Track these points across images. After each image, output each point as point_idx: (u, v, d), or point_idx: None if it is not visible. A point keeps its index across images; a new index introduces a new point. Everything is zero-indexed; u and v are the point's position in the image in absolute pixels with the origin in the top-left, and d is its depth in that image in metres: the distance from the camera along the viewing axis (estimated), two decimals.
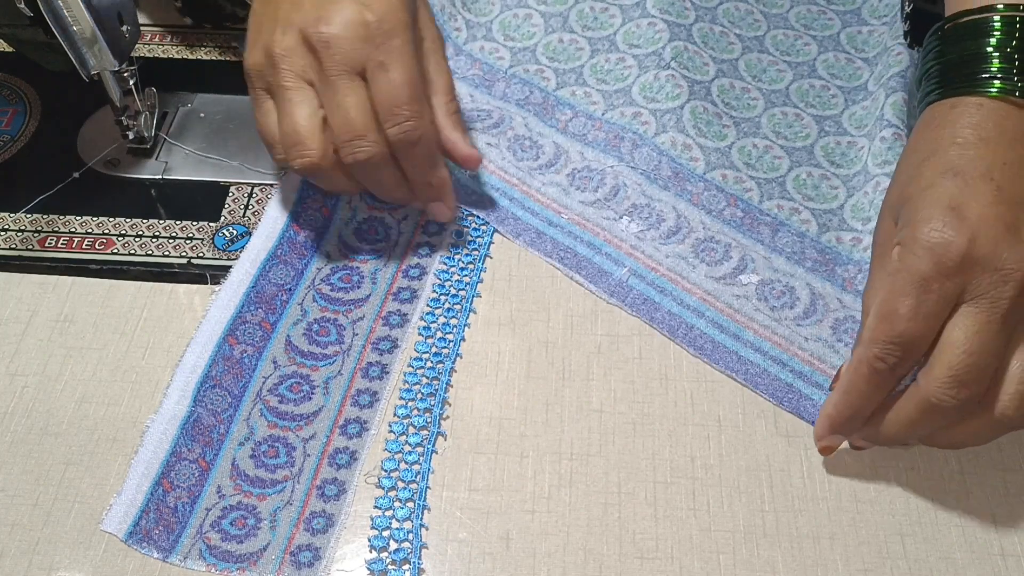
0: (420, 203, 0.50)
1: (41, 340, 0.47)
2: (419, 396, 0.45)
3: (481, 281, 0.49)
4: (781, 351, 0.46)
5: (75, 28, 0.44)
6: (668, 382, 0.46)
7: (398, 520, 0.41)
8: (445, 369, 0.46)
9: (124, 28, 0.47)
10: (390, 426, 0.44)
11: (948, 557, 0.41)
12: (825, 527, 0.42)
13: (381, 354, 0.47)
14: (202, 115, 0.55)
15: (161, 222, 0.51)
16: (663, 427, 0.44)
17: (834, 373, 0.44)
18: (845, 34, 0.60)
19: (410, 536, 0.41)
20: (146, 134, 0.53)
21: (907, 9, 0.49)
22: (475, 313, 0.48)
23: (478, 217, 0.52)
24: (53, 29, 0.44)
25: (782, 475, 0.43)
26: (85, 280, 0.49)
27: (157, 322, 0.47)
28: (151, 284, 0.49)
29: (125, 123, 0.52)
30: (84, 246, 0.50)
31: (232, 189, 0.52)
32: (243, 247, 0.49)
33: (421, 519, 0.41)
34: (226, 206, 0.52)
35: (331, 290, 0.48)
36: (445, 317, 0.48)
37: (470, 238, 0.51)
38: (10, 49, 0.57)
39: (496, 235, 0.51)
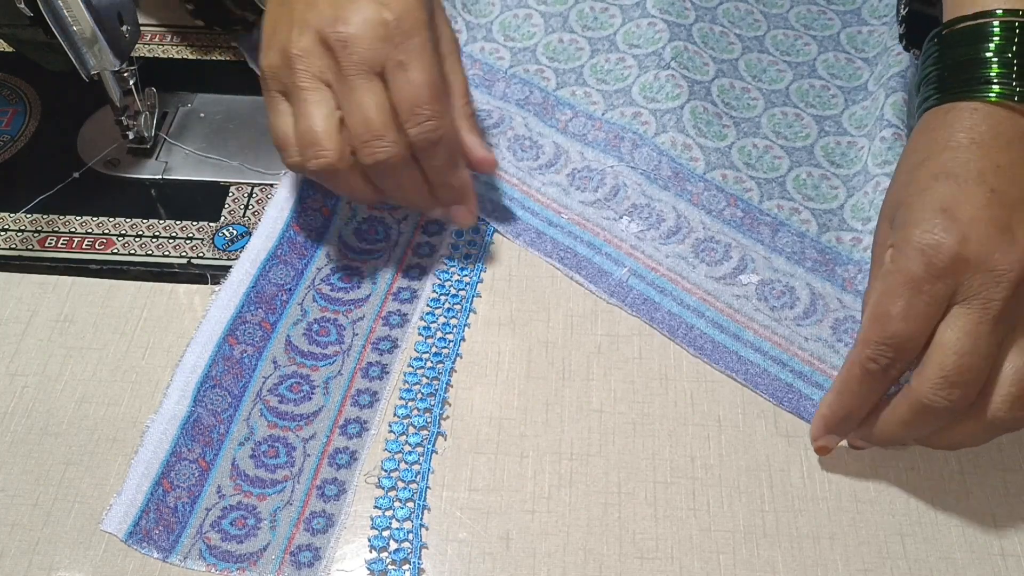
0: (439, 211, 0.48)
1: (41, 340, 0.47)
2: (419, 396, 0.45)
3: (481, 281, 0.49)
4: (781, 351, 0.46)
5: (75, 28, 0.44)
6: (668, 382, 0.46)
7: (398, 520, 0.41)
8: (445, 369, 0.46)
9: (124, 28, 0.47)
10: (390, 426, 0.44)
11: (948, 557, 0.41)
12: (825, 527, 0.42)
13: (381, 354, 0.47)
14: (202, 115, 0.55)
15: (161, 222, 0.51)
16: (663, 427, 0.44)
17: (834, 373, 0.44)
18: (845, 34, 0.60)
19: (410, 536, 0.41)
20: (146, 134, 0.53)
21: (903, 12, 0.49)
22: (475, 313, 0.48)
23: (478, 217, 0.52)
24: (53, 29, 0.44)
25: (782, 475, 0.43)
26: (85, 280, 0.49)
27: (157, 322, 0.47)
28: (151, 284, 0.49)
29: (125, 123, 0.52)
30: (84, 246, 0.50)
31: (232, 189, 0.52)
32: (243, 247, 0.49)
33: (421, 519, 0.41)
34: (226, 206, 0.52)
35: (331, 290, 0.48)
36: (445, 317, 0.48)
37: (470, 238, 0.51)
38: (10, 49, 0.57)
39: (496, 235, 0.51)
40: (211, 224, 0.51)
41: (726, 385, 0.46)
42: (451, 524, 0.42)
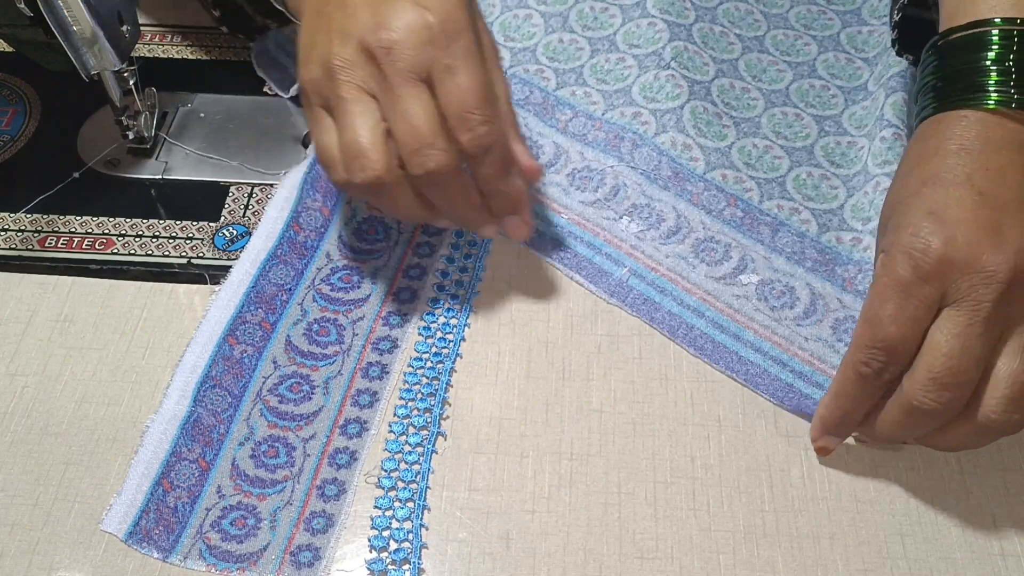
0: (491, 228, 0.46)
1: (41, 340, 0.47)
2: (419, 396, 0.45)
3: (481, 281, 0.49)
4: (781, 351, 0.46)
5: (75, 28, 0.44)
6: (668, 382, 0.46)
7: (398, 520, 0.41)
8: (445, 369, 0.46)
9: (124, 28, 0.47)
10: (390, 426, 0.44)
11: (948, 557, 0.41)
12: (825, 527, 0.42)
13: (381, 354, 0.47)
14: (202, 115, 0.55)
15: (161, 222, 0.51)
16: (663, 427, 0.44)
17: (834, 373, 0.44)
18: (845, 34, 0.60)
19: (410, 536, 0.41)
20: (146, 134, 0.53)
21: (895, 18, 0.49)
22: (475, 313, 0.48)
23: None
24: (53, 29, 0.44)
25: (782, 475, 0.43)
26: (85, 280, 0.49)
27: (157, 322, 0.47)
28: (151, 284, 0.49)
29: (125, 123, 0.52)
30: (84, 246, 0.50)
31: (232, 189, 0.52)
32: (243, 247, 0.49)
33: (421, 519, 0.41)
34: (226, 206, 0.52)
35: (331, 290, 0.48)
36: (445, 317, 0.48)
37: (470, 238, 0.51)
38: (10, 49, 0.57)
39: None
40: (211, 224, 0.51)
41: (726, 385, 0.46)
42: (451, 524, 0.42)
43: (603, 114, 0.55)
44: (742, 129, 0.54)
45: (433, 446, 0.44)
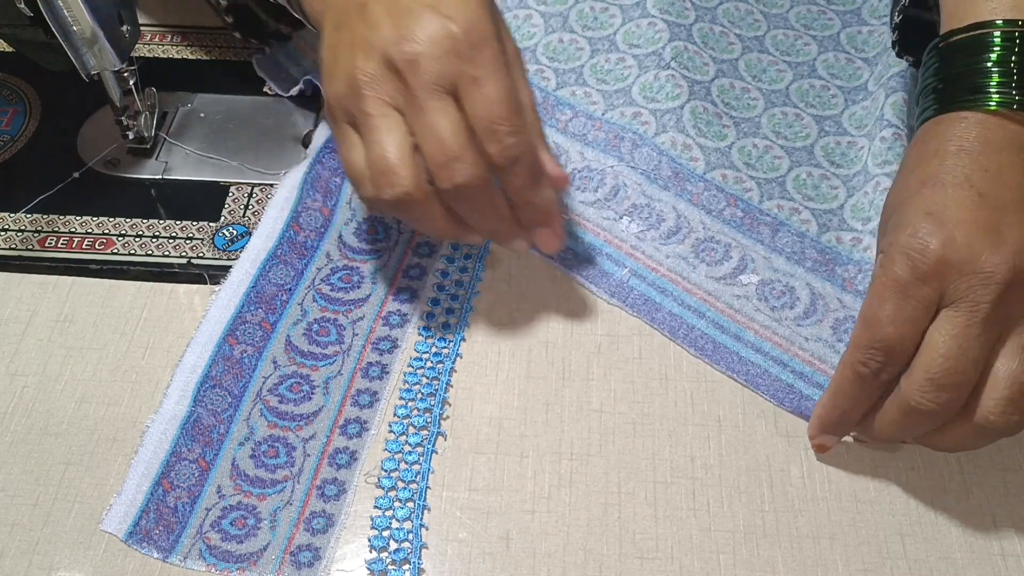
0: (523, 243, 0.45)
1: (41, 340, 0.47)
2: (419, 396, 0.45)
3: (481, 281, 0.49)
4: (782, 351, 0.46)
5: (75, 28, 0.44)
6: (668, 382, 0.46)
7: (398, 520, 0.41)
8: (445, 369, 0.46)
9: (124, 28, 0.47)
10: (390, 426, 0.44)
11: (948, 557, 0.41)
12: (825, 527, 0.42)
13: (381, 354, 0.47)
14: (202, 115, 0.55)
15: (161, 222, 0.51)
16: (663, 427, 0.44)
17: (834, 373, 0.44)
18: (845, 34, 0.60)
19: (410, 536, 0.41)
20: (146, 134, 0.53)
21: (896, 20, 0.49)
22: (475, 313, 0.48)
23: None
24: (53, 29, 0.44)
25: (782, 475, 0.43)
26: (85, 280, 0.49)
27: (157, 322, 0.47)
28: (151, 284, 0.49)
29: (125, 123, 0.52)
30: (84, 246, 0.50)
31: (232, 189, 0.52)
32: (243, 247, 0.49)
33: (421, 519, 0.41)
34: (226, 206, 0.52)
35: (331, 290, 0.48)
36: (445, 317, 0.48)
37: None
38: (10, 49, 0.57)
39: None
40: (211, 224, 0.51)
41: (726, 385, 0.46)
42: (451, 524, 0.42)
43: (603, 114, 0.55)
44: (742, 129, 0.54)
45: (433, 446, 0.44)
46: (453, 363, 0.46)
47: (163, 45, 0.60)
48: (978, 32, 0.41)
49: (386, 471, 0.43)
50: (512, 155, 0.41)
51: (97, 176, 0.53)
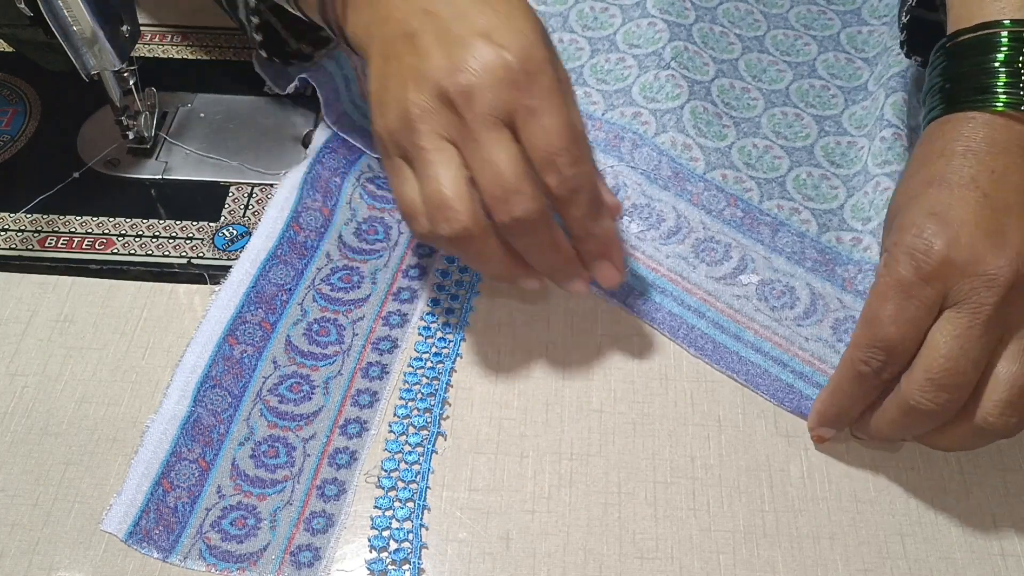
0: (581, 283, 0.43)
1: (41, 340, 0.47)
2: (419, 396, 0.45)
3: (481, 281, 0.49)
4: (782, 351, 0.46)
5: (75, 28, 0.44)
6: (668, 382, 0.46)
7: (398, 520, 0.41)
8: (445, 369, 0.46)
9: (124, 28, 0.47)
10: (390, 426, 0.44)
11: (948, 557, 0.41)
12: (825, 527, 0.42)
13: (381, 354, 0.47)
14: (202, 115, 0.55)
15: (161, 222, 0.51)
16: (663, 427, 0.44)
17: (835, 370, 0.44)
18: (845, 34, 0.60)
19: (410, 536, 0.41)
20: (146, 134, 0.53)
21: (904, 20, 0.49)
22: (475, 313, 0.48)
23: None
24: (53, 29, 0.44)
25: (782, 475, 0.43)
26: (85, 280, 0.49)
27: (157, 322, 0.47)
28: (151, 284, 0.49)
29: (125, 123, 0.52)
30: (84, 246, 0.50)
31: (232, 189, 0.52)
32: (243, 247, 0.49)
33: (421, 519, 0.41)
34: (226, 206, 0.52)
35: (331, 290, 0.48)
36: (445, 317, 0.48)
37: None
38: (10, 49, 0.57)
39: None
40: (211, 224, 0.51)
41: (726, 385, 0.46)
42: (451, 524, 0.42)
43: (603, 114, 0.55)
44: (742, 129, 0.54)
45: (433, 446, 0.44)
46: (453, 363, 0.46)
47: (163, 45, 0.60)
48: (986, 32, 0.41)
49: (386, 471, 0.43)
50: (573, 186, 0.40)
51: (97, 176, 0.53)
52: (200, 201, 0.52)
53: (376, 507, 0.42)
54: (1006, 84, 0.40)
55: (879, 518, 0.42)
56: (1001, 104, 0.40)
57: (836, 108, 0.56)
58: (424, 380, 0.46)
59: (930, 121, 0.43)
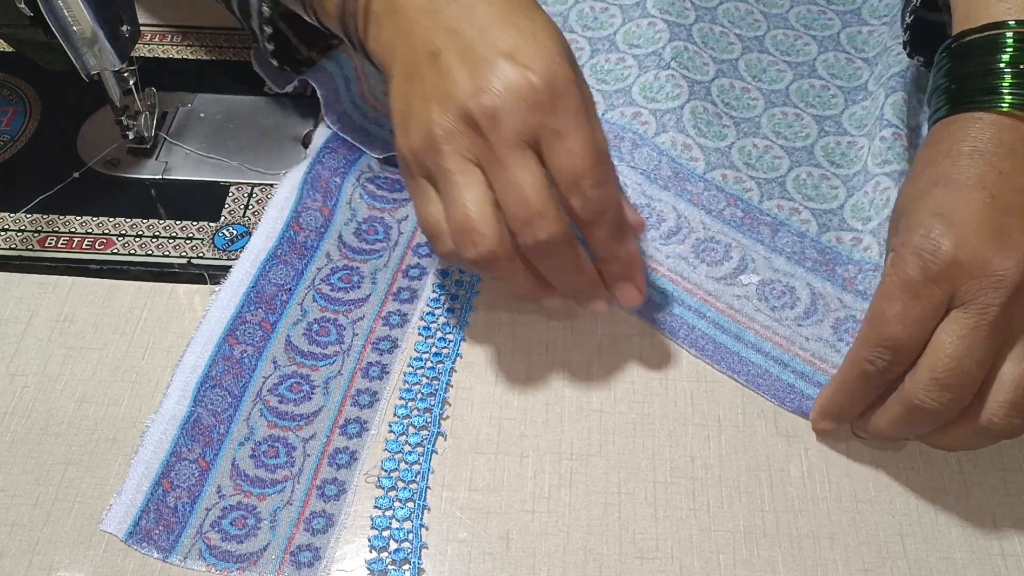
0: (603, 304, 0.43)
1: (41, 340, 0.47)
2: (419, 396, 0.45)
3: (481, 280, 0.49)
4: (782, 351, 0.46)
5: (75, 28, 0.44)
6: (668, 382, 0.46)
7: (398, 520, 0.41)
8: (445, 369, 0.46)
9: (124, 28, 0.47)
10: (390, 426, 0.44)
11: (948, 557, 0.41)
12: (825, 527, 0.42)
13: (381, 354, 0.47)
14: (202, 115, 0.55)
15: (161, 222, 0.51)
16: (663, 427, 0.44)
17: (835, 373, 0.44)
18: (845, 34, 0.60)
19: (410, 536, 0.41)
20: (146, 134, 0.53)
21: (908, 20, 0.49)
22: (475, 313, 0.48)
23: None
24: (53, 29, 0.44)
25: (782, 475, 0.43)
26: (85, 280, 0.49)
27: (157, 322, 0.47)
28: (151, 284, 0.49)
29: (125, 123, 0.52)
30: (84, 246, 0.50)
31: (232, 189, 0.52)
32: (243, 247, 0.49)
33: (421, 519, 0.41)
34: (226, 206, 0.52)
35: (331, 290, 0.48)
36: (445, 317, 0.48)
37: None
38: (10, 49, 0.57)
39: None
40: (211, 224, 0.51)
41: (726, 385, 0.46)
42: (451, 524, 0.42)
43: (603, 114, 0.55)
44: (742, 129, 0.54)
45: (433, 446, 0.44)
46: (453, 363, 0.46)
47: (163, 45, 0.60)
48: (992, 33, 0.41)
49: (386, 471, 0.43)
50: (597, 208, 0.40)
51: (97, 176, 0.53)
52: (200, 201, 0.52)
53: (376, 507, 0.42)
54: (1012, 85, 0.40)
55: (879, 518, 0.42)
56: (1007, 105, 0.40)
57: (836, 108, 0.56)
58: (424, 380, 0.46)
59: (936, 121, 0.43)
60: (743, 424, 0.45)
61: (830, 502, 0.42)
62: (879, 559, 0.41)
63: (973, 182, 0.39)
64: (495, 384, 0.46)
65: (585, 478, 0.43)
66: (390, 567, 0.40)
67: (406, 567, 0.40)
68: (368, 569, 0.40)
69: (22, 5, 0.44)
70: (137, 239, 0.50)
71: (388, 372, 0.46)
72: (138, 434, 0.43)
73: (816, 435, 0.44)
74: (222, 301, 0.47)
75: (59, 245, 0.50)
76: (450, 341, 0.47)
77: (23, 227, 0.50)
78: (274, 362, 0.46)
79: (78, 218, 0.51)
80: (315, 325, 0.47)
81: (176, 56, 0.59)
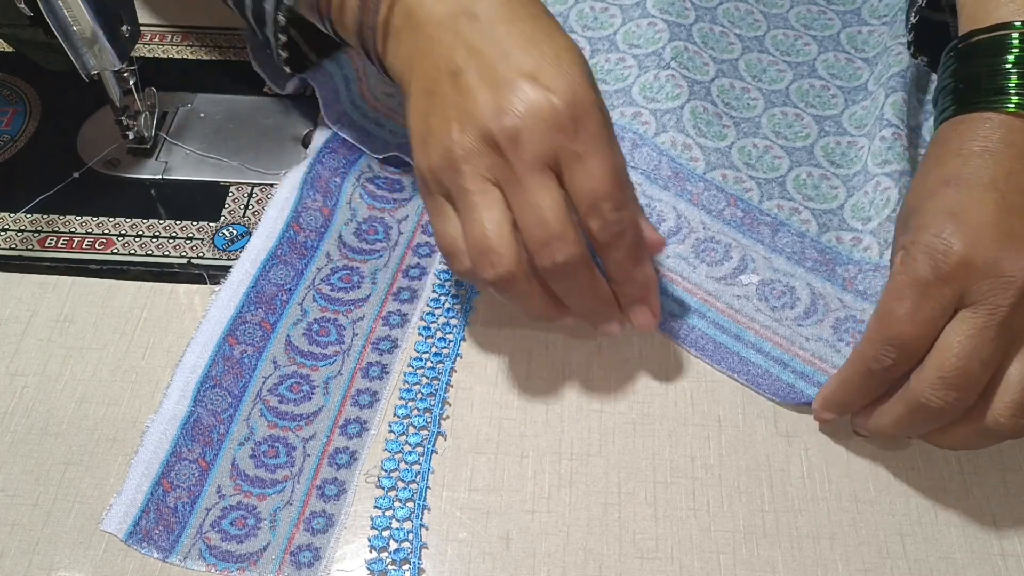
0: (617, 326, 0.43)
1: (41, 340, 0.47)
2: (419, 396, 0.45)
3: None
4: (782, 351, 0.46)
5: (75, 28, 0.44)
6: (668, 382, 0.46)
7: (398, 520, 0.41)
8: (445, 369, 0.46)
9: (124, 28, 0.47)
10: (390, 426, 0.44)
11: (948, 557, 0.41)
12: (825, 527, 0.42)
13: (381, 354, 0.47)
14: (202, 115, 0.55)
15: (161, 222, 0.51)
16: (663, 427, 0.44)
17: (835, 373, 0.44)
18: (845, 34, 0.60)
19: (410, 536, 0.41)
20: (146, 134, 0.53)
21: (912, 20, 0.49)
22: (475, 313, 0.48)
23: None
24: (53, 29, 0.44)
25: (782, 475, 0.43)
26: (85, 280, 0.49)
27: (157, 322, 0.47)
28: (151, 284, 0.49)
29: (125, 123, 0.52)
30: (84, 246, 0.50)
31: (232, 189, 0.52)
32: (243, 247, 0.49)
33: (421, 519, 0.41)
34: (226, 206, 0.52)
35: (331, 290, 0.48)
36: (445, 317, 0.48)
37: None
38: (10, 49, 0.57)
39: None
40: (211, 224, 0.51)
41: (726, 385, 0.46)
42: (451, 524, 0.42)
43: None
44: (742, 129, 0.54)
45: (433, 446, 0.44)
46: (453, 363, 0.46)
47: (163, 45, 0.60)
48: (999, 33, 0.41)
49: (386, 471, 0.43)
50: (616, 231, 0.40)
51: (97, 176, 0.53)
52: (200, 201, 0.52)
53: (376, 507, 0.42)
54: (1018, 86, 0.40)
55: (879, 518, 0.42)
56: (1013, 105, 0.40)
57: (836, 108, 0.56)
58: (424, 380, 0.46)
59: (943, 121, 0.43)
60: (743, 424, 0.45)
61: (830, 502, 0.42)
62: (879, 559, 0.41)
63: (985, 182, 0.39)
64: (495, 384, 0.46)
65: (585, 478, 0.43)
66: (390, 567, 0.40)
67: (406, 567, 0.40)
68: (368, 569, 0.40)
69: (22, 5, 0.44)
70: (137, 239, 0.50)
71: (388, 372, 0.46)
72: (138, 434, 0.43)
73: (817, 428, 0.44)
74: (222, 301, 0.47)
75: (59, 245, 0.50)
76: (450, 341, 0.47)
77: (23, 227, 0.50)
78: (274, 362, 0.46)
79: (78, 218, 0.51)
80: (315, 325, 0.47)
81: (176, 56, 0.59)
